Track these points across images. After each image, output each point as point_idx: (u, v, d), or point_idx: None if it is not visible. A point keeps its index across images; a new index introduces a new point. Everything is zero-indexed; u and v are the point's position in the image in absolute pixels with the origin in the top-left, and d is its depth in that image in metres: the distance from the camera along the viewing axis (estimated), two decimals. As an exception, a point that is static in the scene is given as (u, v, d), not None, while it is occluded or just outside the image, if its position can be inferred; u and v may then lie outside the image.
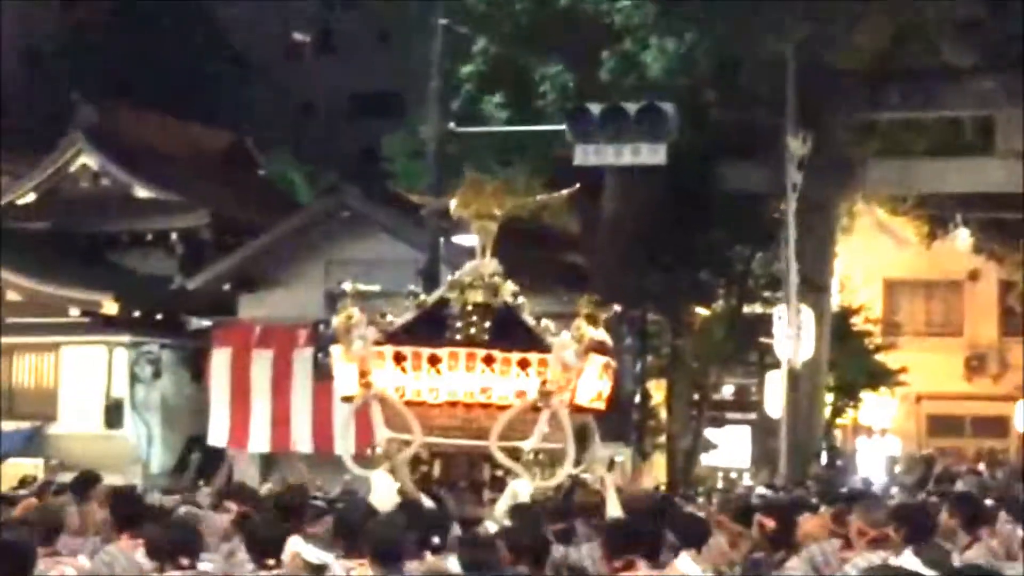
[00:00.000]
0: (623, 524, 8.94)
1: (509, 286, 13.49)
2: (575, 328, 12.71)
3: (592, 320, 13.02)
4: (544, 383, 12.50)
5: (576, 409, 13.24)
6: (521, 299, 13.62)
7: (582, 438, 14.40)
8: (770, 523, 10.01)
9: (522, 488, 11.77)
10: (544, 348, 12.76)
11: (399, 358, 12.97)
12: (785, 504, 11.19)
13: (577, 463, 13.51)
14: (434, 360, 12.82)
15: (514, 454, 12.27)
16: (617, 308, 14.80)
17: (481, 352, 12.73)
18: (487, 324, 13.06)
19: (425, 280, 18.54)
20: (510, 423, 12.40)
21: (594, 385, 13.22)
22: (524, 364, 12.72)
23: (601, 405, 13.86)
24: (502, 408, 12.65)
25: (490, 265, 13.64)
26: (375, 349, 12.92)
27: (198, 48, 37.55)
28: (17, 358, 27.16)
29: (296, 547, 7.81)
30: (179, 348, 26.92)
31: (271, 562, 7.86)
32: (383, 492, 11.88)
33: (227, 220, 27.36)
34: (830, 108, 23.40)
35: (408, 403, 12.93)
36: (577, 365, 12.68)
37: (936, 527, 9.69)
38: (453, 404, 12.95)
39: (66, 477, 15.41)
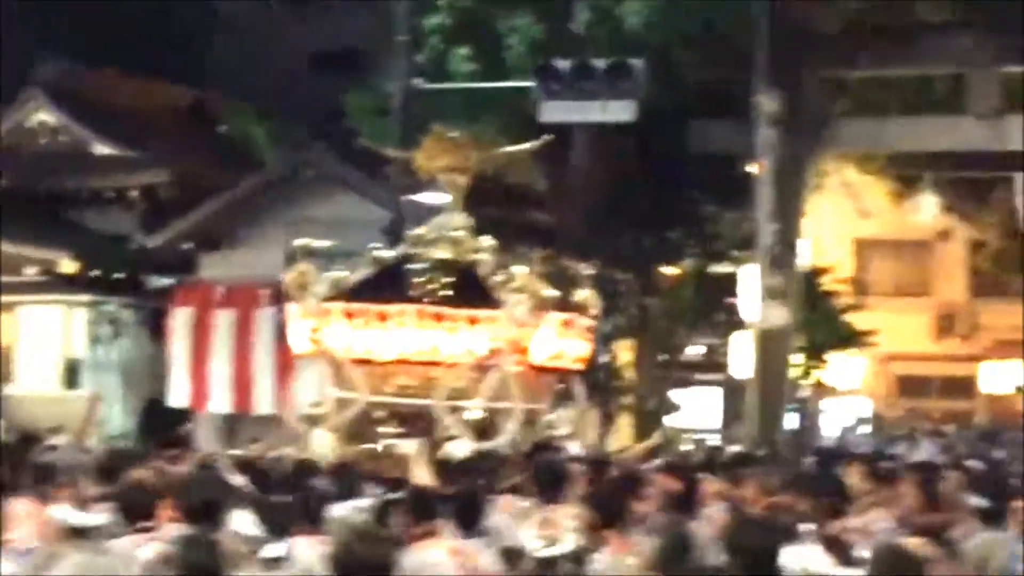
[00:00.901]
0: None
1: (472, 241, 13.28)
2: (528, 284, 12.53)
3: (552, 278, 12.89)
4: (491, 340, 12.32)
5: (535, 369, 13.06)
6: (484, 255, 13.41)
7: (567, 399, 14.27)
8: (673, 485, 9.84)
9: (458, 449, 11.58)
10: (496, 305, 12.57)
11: (349, 315, 12.81)
12: (689, 466, 11.01)
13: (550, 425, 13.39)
14: (383, 317, 12.71)
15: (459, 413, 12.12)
16: (582, 267, 14.66)
17: (431, 309, 12.58)
18: (449, 281, 12.88)
19: (389, 238, 18.32)
20: (459, 381, 12.25)
21: (552, 344, 13.03)
22: (474, 321, 12.57)
23: (565, 364, 13.66)
24: (452, 366, 12.50)
25: (458, 219, 13.45)
26: (325, 305, 12.76)
27: (163, 4, 37.21)
28: (-28, 319, 26.91)
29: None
30: (139, 308, 26.69)
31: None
32: (321, 452, 11.71)
33: (188, 178, 27.11)
34: (802, 66, 23.24)
35: (358, 360, 12.76)
36: (529, 322, 12.50)
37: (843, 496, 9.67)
38: (403, 362, 12.78)
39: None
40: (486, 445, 11.89)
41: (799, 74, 23.35)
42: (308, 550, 7.51)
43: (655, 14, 21.49)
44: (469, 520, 8.45)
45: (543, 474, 9.58)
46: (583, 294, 14.23)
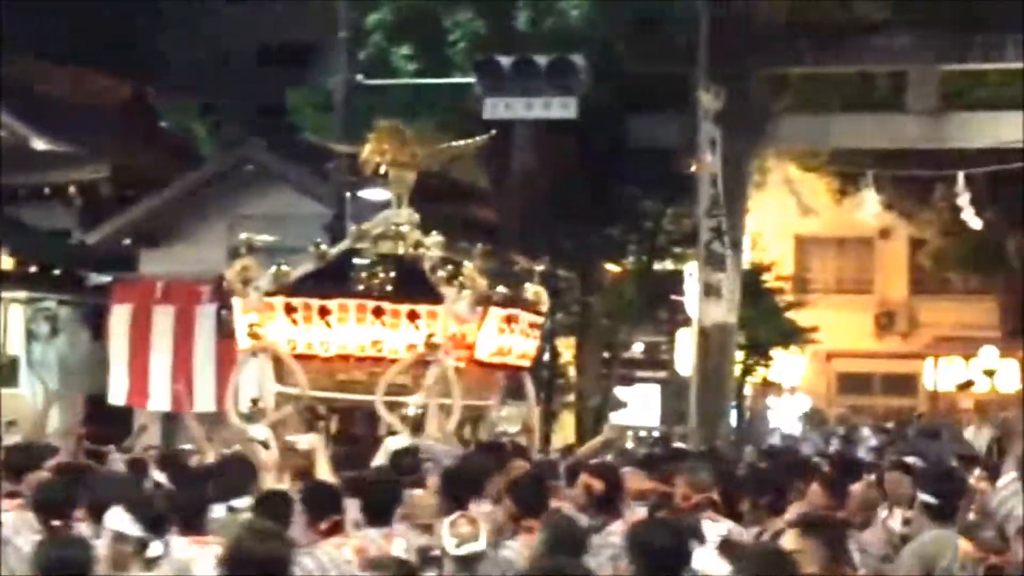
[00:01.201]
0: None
1: (415, 235, 13.24)
2: (467, 279, 12.52)
3: (500, 274, 12.85)
4: (431, 336, 12.30)
5: (478, 364, 13.03)
6: (427, 250, 13.36)
7: (516, 397, 14.26)
8: (597, 484, 9.79)
9: (396, 445, 11.55)
10: (438, 300, 12.54)
11: (290, 309, 12.78)
12: (612, 466, 10.97)
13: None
14: (324, 312, 12.68)
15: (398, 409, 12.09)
16: (524, 263, 14.66)
17: (371, 304, 12.55)
18: (392, 275, 12.85)
19: (331, 235, 18.27)
20: (399, 376, 12.23)
21: (495, 340, 13.02)
22: (413, 316, 12.54)
23: (511, 361, 13.63)
24: (393, 362, 12.47)
25: (404, 214, 13.43)
26: (267, 300, 12.72)
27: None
28: (-92, 315, 26.65)
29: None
30: (78, 305, 26.50)
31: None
32: (257, 445, 11.62)
33: (128, 173, 26.90)
34: (744, 62, 23.31)
35: (299, 356, 12.72)
36: (470, 317, 12.49)
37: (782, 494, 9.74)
38: (345, 357, 12.74)
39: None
40: (422, 441, 11.84)
41: (741, 70, 23.41)
42: (185, 549, 7.41)
43: (595, 9, 21.53)
44: (378, 514, 8.50)
45: (462, 474, 9.59)
46: (532, 290, 14.23)
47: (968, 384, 32.55)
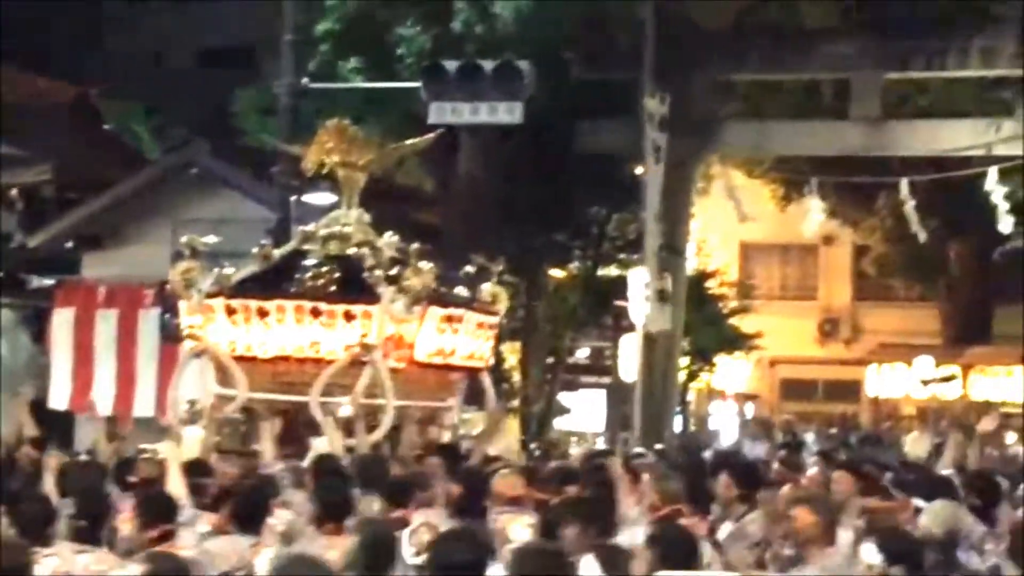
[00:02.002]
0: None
1: (362, 235, 13.27)
2: (404, 278, 12.55)
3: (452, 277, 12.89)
4: (363, 336, 12.32)
5: (419, 365, 13.06)
6: (379, 250, 13.38)
7: (477, 400, 14.28)
8: (455, 489, 9.87)
9: (320, 446, 11.62)
10: (373, 300, 12.56)
11: (230, 311, 12.81)
12: (476, 470, 11.03)
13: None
14: (263, 313, 12.71)
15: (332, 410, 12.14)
16: (481, 262, 14.69)
17: (308, 304, 12.59)
18: (337, 276, 12.88)
19: (275, 238, 18.27)
20: (334, 378, 12.27)
21: (435, 340, 13.04)
22: (349, 316, 12.56)
23: (458, 362, 13.63)
24: (330, 362, 12.52)
25: (353, 215, 13.45)
26: (208, 302, 12.75)
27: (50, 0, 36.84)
28: None
29: None
30: (19, 308, 26.30)
31: None
32: (189, 444, 11.68)
33: (70, 175, 26.74)
34: (689, 68, 23.43)
35: (240, 358, 12.73)
36: (405, 317, 12.50)
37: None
38: (284, 358, 12.77)
39: None
40: (351, 442, 11.89)
41: (686, 75, 23.53)
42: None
43: (534, 11, 21.59)
44: (246, 521, 8.62)
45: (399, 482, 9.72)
46: (490, 290, 14.28)
47: (951, 377, 32.69)
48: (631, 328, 25.17)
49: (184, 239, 13.77)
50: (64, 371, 23.67)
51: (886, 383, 34.62)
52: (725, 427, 31.81)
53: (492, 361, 14.86)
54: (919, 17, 22.94)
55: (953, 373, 32.74)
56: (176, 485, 9.53)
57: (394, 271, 12.87)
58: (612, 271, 27.20)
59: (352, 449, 11.78)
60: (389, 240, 13.44)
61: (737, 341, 30.69)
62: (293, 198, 20.52)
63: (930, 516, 8.62)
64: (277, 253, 13.64)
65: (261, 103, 24.37)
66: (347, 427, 11.99)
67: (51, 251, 25.57)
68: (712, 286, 30.09)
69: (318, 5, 22.95)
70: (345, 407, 12.00)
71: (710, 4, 23.30)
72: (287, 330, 12.63)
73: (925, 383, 32.80)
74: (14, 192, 26.82)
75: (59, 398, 23.44)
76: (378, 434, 12.18)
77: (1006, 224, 23.67)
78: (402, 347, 12.67)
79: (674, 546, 7.19)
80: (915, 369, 33.80)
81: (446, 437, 13.40)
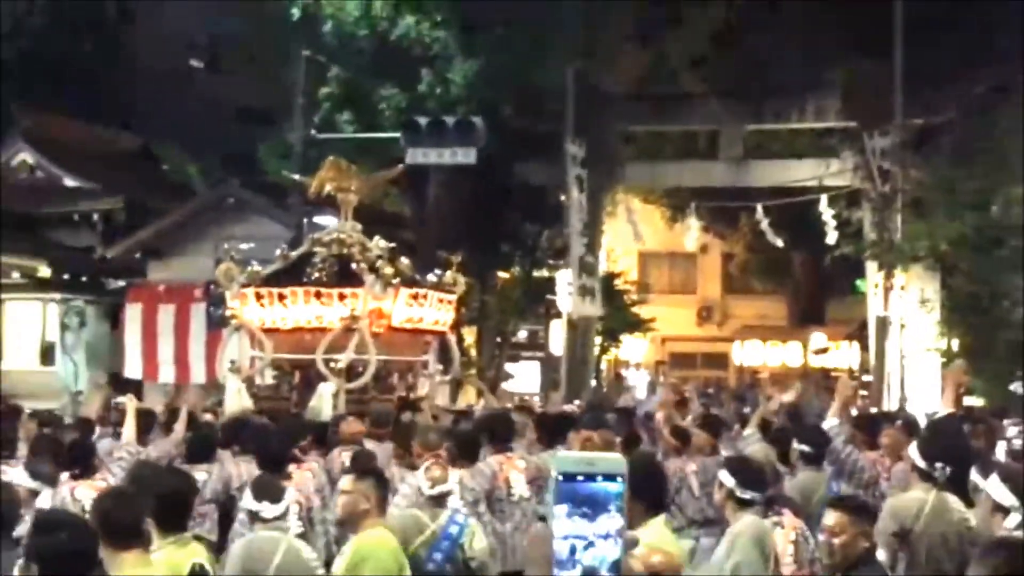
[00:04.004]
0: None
1: (356, 240, 13.57)
2: (380, 269, 12.96)
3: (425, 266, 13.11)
4: (353, 310, 12.68)
5: (395, 330, 13.37)
6: (371, 251, 13.67)
7: (445, 359, 14.58)
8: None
9: (326, 389, 11.91)
10: (359, 284, 12.93)
11: (259, 297, 13.14)
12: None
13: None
14: (282, 297, 13.05)
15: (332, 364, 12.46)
16: (433, 277, 14.91)
17: (313, 289, 12.96)
18: (333, 269, 13.26)
19: (291, 246, 18.43)
20: (333, 341, 12.60)
21: (405, 311, 13.39)
22: (342, 297, 12.93)
23: (426, 327, 13.90)
24: (329, 330, 12.90)
25: (348, 226, 13.77)
26: (243, 291, 13.05)
27: (116, 69, 36.67)
28: (-30, 312, 26.39)
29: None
30: (100, 303, 26.34)
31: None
32: (231, 392, 11.97)
33: (137, 204, 26.79)
34: (599, 120, 23.62)
35: (266, 330, 13.06)
36: (381, 295, 12.86)
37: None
38: (298, 329, 13.12)
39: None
40: (349, 385, 12.24)
41: (598, 126, 23.73)
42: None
43: (472, 77, 21.80)
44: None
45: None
46: (451, 276, 14.58)
47: (824, 350, 32.94)
48: (559, 315, 25.40)
49: (225, 246, 14.00)
50: (135, 351, 23.80)
51: (747, 355, 34.91)
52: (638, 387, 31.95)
53: (452, 327, 15.06)
54: (768, 84, 23.19)
55: (827, 346, 33.10)
56: (129, 427, 8.97)
57: (377, 264, 13.20)
58: (544, 273, 27.32)
59: (350, 391, 12.15)
60: (376, 243, 13.73)
61: (637, 324, 30.87)
62: (305, 220, 20.67)
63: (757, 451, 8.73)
64: (293, 254, 13.92)
65: (279, 150, 24.46)
66: (346, 375, 12.33)
67: (124, 260, 25.61)
68: (618, 283, 30.24)
69: (321, 76, 23.02)
70: (341, 361, 12.30)
71: (615, 74, 23.49)
72: (299, 308, 12.96)
73: (816, 352, 33.09)
74: (95, 216, 26.85)
75: (132, 370, 23.57)
76: (365, 378, 12.52)
77: (832, 237, 23.92)
78: (382, 317, 12.97)
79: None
80: (768, 346, 34.19)
81: (425, 386, 13.59)
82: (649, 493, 4.75)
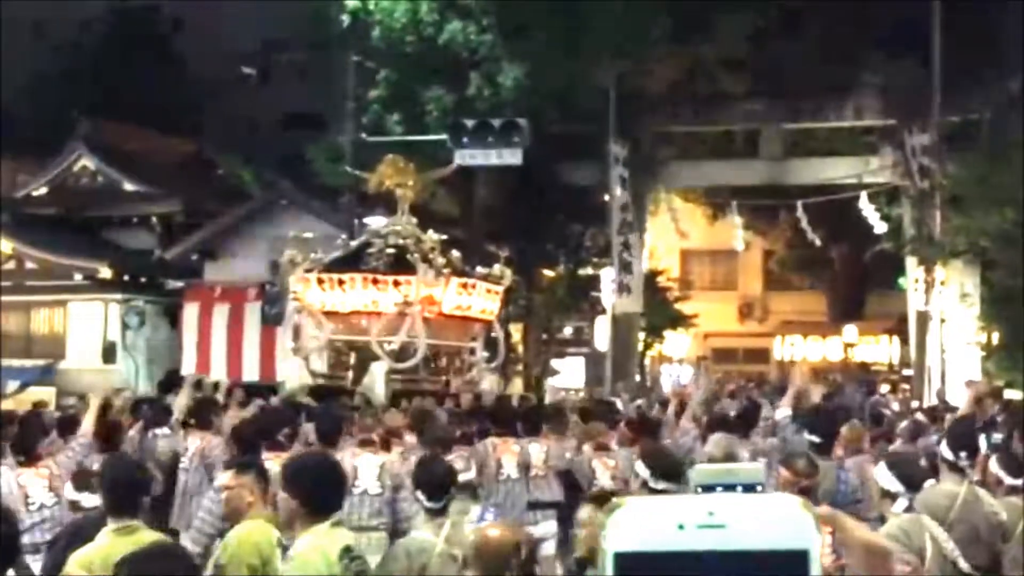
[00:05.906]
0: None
1: (405, 231, 13.83)
2: (433, 260, 13.25)
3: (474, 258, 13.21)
4: (406, 296, 12.97)
5: (446, 316, 13.62)
6: (426, 243, 13.88)
7: (492, 345, 14.80)
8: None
9: (379, 368, 12.20)
10: (413, 272, 13.23)
11: (320, 281, 13.47)
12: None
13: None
14: (340, 282, 13.38)
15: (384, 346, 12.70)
16: (483, 269, 15.04)
17: (370, 276, 13.28)
18: (391, 258, 13.57)
19: (348, 238, 18.59)
20: (387, 324, 12.87)
21: (455, 299, 13.66)
22: (397, 284, 13.24)
23: (474, 314, 14.06)
24: (384, 313, 13.21)
25: (403, 220, 14.05)
26: (305, 276, 13.40)
27: (170, 77, 37.03)
28: (35, 312, 26.72)
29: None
30: (159, 303, 26.61)
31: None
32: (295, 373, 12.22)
33: (194, 207, 27.04)
34: (641, 123, 23.62)
35: (327, 312, 13.38)
36: (433, 283, 13.15)
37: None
38: (356, 312, 13.42)
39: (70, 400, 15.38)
40: (400, 365, 12.51)
41: (639, 128, 23.72)
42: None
43: (520, 80, 21.79)
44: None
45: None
46: (499, 268, 14.81)
47: (851, 345, 32.77)
48: (603, 312, 25.39)
49: (291, 233, 14.42)
50: (191, 348, 23.97)
51: (788, 350, 34.72)
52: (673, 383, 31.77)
53: (499, 322, 15.28)
54: (808, 83, 23.11)
55: (855, 342, 32.90)
56: (88, 420, 8.63)
57: (429, 255, 13.44)
58: (588, 271, 27.32)
59: (400, 371, 12.41)
60: (430, 236, 13.96)
61: (680, 320, 30.79)
62: (356, 221, 20.77)
63: (711, 444, 8.23)
64: (353, 244, 14.23)
65: (329, 152, 24.54)
66: (397, 356, 12.56)
67: (181, 262, 25.86)
68: (661, 281, 30.19)
69: (370, 80, 23.08)
70: (394, 343, 12.54)
71: (655, 76, 23.47)
72: (357, 293, 13.27)
73: (848, 347, 32.93)
74: (154, 219, 27.12)
75: (189, 366, 23.70)
76: (415, 359, 12.77)
77: (881, 228, 23.74)
78: (433, 304, 13.20)
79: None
80: (808, 341, 34.00)
81: (474, 371, 13.84)
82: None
